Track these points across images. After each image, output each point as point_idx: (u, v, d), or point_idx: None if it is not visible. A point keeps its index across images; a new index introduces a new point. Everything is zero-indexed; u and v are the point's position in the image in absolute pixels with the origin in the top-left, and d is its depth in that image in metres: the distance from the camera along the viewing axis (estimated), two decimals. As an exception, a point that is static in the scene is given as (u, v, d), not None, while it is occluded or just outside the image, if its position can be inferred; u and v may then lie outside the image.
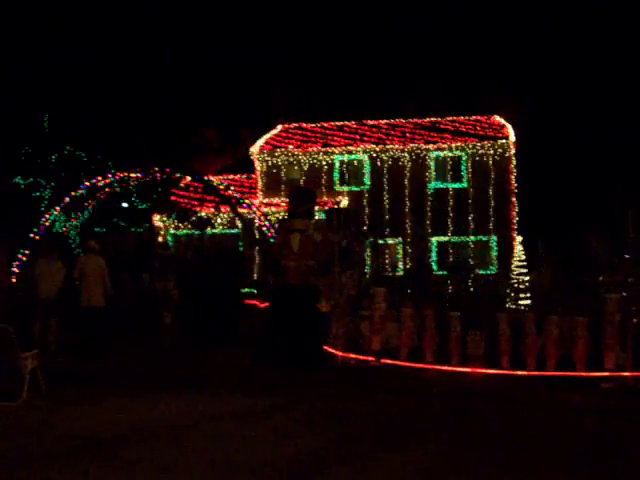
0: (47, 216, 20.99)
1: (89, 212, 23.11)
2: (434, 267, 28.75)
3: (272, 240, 18.79)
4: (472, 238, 29.83)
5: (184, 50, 52.76)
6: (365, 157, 30.65)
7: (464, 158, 30.06)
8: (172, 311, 16.30)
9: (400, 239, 30.20)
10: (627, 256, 13.70)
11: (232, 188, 22.14)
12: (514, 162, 30.15)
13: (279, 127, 33.63)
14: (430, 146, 30.26)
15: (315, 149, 31.00)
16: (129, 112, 41.29)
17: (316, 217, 14.84)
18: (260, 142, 31.93)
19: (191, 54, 50.09)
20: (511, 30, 32.30)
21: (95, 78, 44.96)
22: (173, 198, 28.70)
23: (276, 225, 20.65)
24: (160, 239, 28.42)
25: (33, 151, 31.67)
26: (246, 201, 21.85)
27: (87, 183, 21.34)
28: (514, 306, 13.55)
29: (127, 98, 42.83)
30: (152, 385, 10.51)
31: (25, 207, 26.81)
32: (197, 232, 27.17)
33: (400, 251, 30.42)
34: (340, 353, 12.74)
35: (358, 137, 31.49)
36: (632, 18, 48.89)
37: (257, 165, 31.45)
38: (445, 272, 25.89)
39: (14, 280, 18.12)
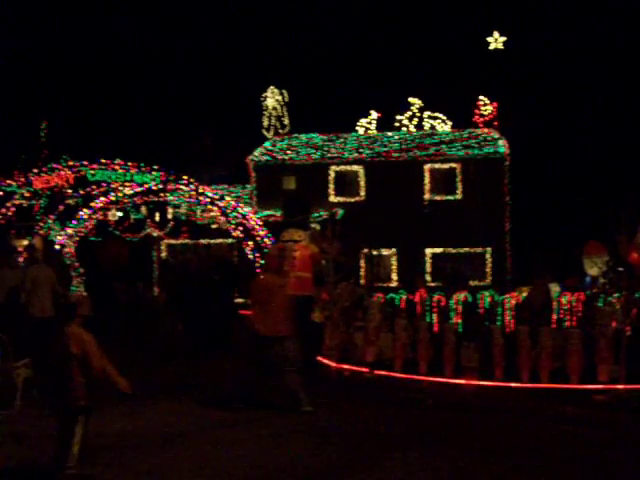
0: (41, 224, 21.00)
1: (84, 221, 23.07)
2: (428, 278, 28.77)
3: (266, 250, 18.81)
4: (466, 250, 29.91)
5: (180, 59, 52.86)
6: (360, 168, 30.72)
7: (458, 170, 30.16)
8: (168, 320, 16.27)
9: (394, 250, 30.25)
10: (621, 269, 13.72)
11: (227, 198, 22.18)
12: (508, 174, 30.26)
13: (274, 137, 33.70)
14: (425, 157, 30.36)
15: (310, 160, 31.06)
16: (125, 122, 41.37)
17: (311, 227, 14.89)
18: (255, 152, 31.98)
19: (187, 63, 50.18)
20: (510, 45, 32.61)
21: (91, 86, 44.98)
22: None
23: (271, 235, 20.68)
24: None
25: (29, 159, 31.65)
26: (240, 211, 21.87)
27: (82, 192, 21.35)
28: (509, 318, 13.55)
29: (123, 108, 42.91)
30: (144, 394, 10.47)
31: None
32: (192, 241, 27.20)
33: (394, 262, 30.48)
34: (334, 364, 12.73)
35: (353, 148, 31.57)
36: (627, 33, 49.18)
37: (252, 175, 31.51)
38: (439, 283, 25.89)
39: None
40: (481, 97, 32.34)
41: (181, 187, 21.49)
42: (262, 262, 18.32)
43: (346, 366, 12.60)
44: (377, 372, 12.09)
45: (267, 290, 9.75)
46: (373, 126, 33.05)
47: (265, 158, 31.62)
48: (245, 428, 8.47)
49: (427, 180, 30.33)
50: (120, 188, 21.87)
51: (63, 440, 6.42)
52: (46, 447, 7.49)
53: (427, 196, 30.28)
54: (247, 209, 23.75)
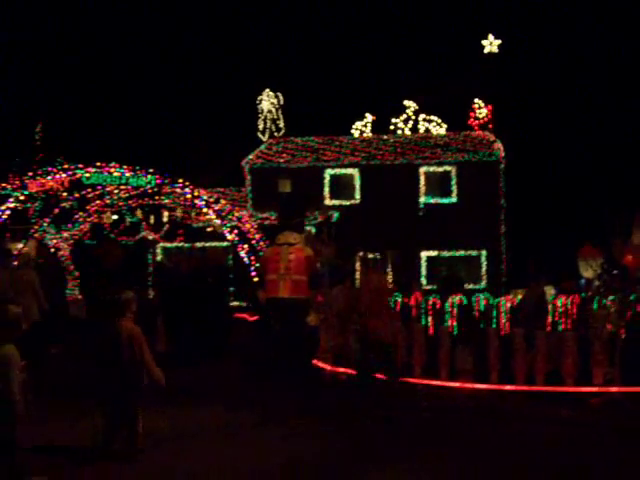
0: (36, 227, 20.97)
1: (79, 224, 23.07)
2: (424, 281, 28.78)
3: (261, 253, 18.79)
4: (461, 253, 29.93)
5: (175, 62, 52.90)
6: (355, 171, 30.74)
7: (454, 173, 30.19)
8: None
9: (390, 253, 30.23)
10: (615, 272, 13.77)
11: (222, 201, 22.15)
12: (503, 177, 30.32)
13: (269, 141, 33.70)
14: (420, 160, 30.38)
15: (305, 163, 31.07)
16: (120, 125, 41.36)
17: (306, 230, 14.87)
18: (250, 156, 31.99)
19: (182, 66, 50.27)
20: (506, 50, 32.77)
21: (86, 88, 44.99)
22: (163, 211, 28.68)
23: (266, 238, 20.65)
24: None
25: (24, 162, 31.61)
26: (236, 214, 21.83)
27: (77, 195, 21.31)
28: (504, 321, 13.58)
29: (118, 111, 42.91)
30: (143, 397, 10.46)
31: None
32: (187, 245, 27.17)
33: (389, 265, 30.47)
34: (329, 367, 12.73)
35: (348, 151, 31.58)
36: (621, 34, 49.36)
37: (247, 178, 31.51)
38: (435, 286, 25.91)
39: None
40: (476, 100, 32.39)
41: (176, 190, 21.47)
42: (257, 265, 18.27)
43: (341, 369, 12.59)
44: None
45: (379, 293, 9.53)
46: (368, 129, 33.08)
47: (260, 161, 31.62)
48: (232, 434, 8.47)
49: (422, 183, 30.36)
50: (115, 191, 21.85)
51: (128, 423, 7.19)
52: (36, 449, 7.49)
53: (422, 199, 30.32)
54: (242, 212, 23.75)
